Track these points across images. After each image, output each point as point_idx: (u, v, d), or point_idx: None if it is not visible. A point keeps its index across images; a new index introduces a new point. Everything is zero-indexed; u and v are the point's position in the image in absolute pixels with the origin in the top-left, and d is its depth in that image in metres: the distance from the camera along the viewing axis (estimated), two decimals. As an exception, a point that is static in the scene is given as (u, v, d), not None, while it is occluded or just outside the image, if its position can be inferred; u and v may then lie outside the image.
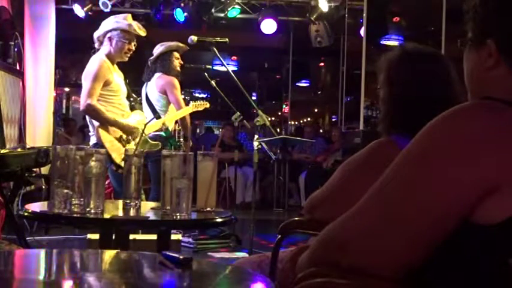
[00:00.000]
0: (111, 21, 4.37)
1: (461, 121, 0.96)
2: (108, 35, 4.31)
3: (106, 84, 4.25)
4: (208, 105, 5.18)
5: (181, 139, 4.67)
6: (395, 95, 1.86)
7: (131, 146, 4.24)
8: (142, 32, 4.44)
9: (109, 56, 4.31)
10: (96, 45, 4.38)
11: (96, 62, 4.26)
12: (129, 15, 4.50)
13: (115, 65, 4.38)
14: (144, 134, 4.36)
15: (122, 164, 4.11)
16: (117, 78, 4.36)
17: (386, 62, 1.89)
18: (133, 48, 4.42)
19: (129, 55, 4.40)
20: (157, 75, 5.08)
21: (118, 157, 4.14)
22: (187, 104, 5.18)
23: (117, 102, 4.34)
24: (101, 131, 4.22)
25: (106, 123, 4.24)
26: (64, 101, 13.34)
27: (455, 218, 0.93)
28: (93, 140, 4.36)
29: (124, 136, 4.31)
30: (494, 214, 0.91)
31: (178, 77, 5.18)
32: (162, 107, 5.00)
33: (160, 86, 5.01)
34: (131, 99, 4.67)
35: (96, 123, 4.27)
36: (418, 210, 0.95)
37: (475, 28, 1.05)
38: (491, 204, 0.91)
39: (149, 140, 4.54)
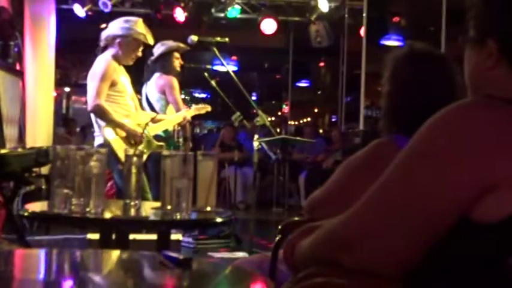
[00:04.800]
0: (122, 25, 4.34)
1: (461, 118, 0.96)
2: (118, 39, 4.30)
3: (112, 84, 4.24)
4: (209, 108, 5.14)
5: (181, 139, 4.66)
6: (397, 93, 1.87)
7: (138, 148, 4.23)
8: (151, 41, 4.45)
9: (116, 58, 4.30)
10: (102, 43, 4.34)
11: (103, 62, 4.25)
12: (141, 21, 4.47)
13: (121, 66, 4.38)
14: (148, 136, 4.38)
15: None
16: (123, 78, 4.35)
17: (393, 59, 1.90)
18: (140, 54, 4.44)
19: (134, 60, 4.41)
20: (157, 75, 5.08)
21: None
22: (186, 104, 5.17)
23: (122, 102, 4.32)
24: (107, 130, 4.20)
25: (113, 124, 4.24)
26: (64, 101, 13.34)
27: (454, 215, 0.94)
28: (98, 141, 4.34)
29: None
30: (493, 213, 0.91)
31: (178, 77, 5.18)
32: (162, 107, 5.00)
33: (160, 86, 5.01)
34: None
35: (102, 123, 4.26)
36: (418, 207, 0.95)
37: (476, 27, 1.05)
38: (490, 202, 0.91)
39: (154, 141, 4.52)
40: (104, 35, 4.35)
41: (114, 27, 4.35)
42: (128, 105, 4.38)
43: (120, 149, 4.14)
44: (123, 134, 4.27)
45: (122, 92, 4.31)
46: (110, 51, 4.31)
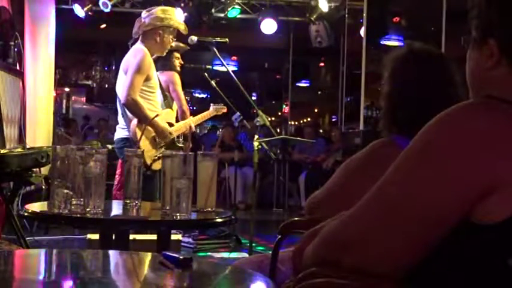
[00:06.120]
0: (159, 15, 4.26)
1: (462, 119, 0.96)
2: (157, 29, 4.21)
3: (147, 79, 4.13)
4: (225, 109, 5.07)
5: (181, 139, 4.65)
6: (397, 93, 1.87)
7: (162, 151, 4.20)
8: (185, 31, 4.39)
9: (150, 49, 4.19)
10: (135, 35, 4.26)
11: (140, 53, 4.12)
12: (174, 10, 4.45)
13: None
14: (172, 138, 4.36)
15: (152, 165, 4.09)
16: (155, 74, 4.27)
17: (392, 60, 1.90)
18: (173, 44, 4.43)
19: (167, 50, 4.39)
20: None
21: (148, 158, 4.05)
22: (188, 102, 5.17)
23: (153, 99, 4.23)
24: (137, 128, 4.11)
25: (144, 120, 4.10)
26: (64, 101, 13.34)
27: (455, 216, 0.93)
28: (121, 134, 4.24)
29: (157, 138, 4.22)
30: (494, 214, 0.90)
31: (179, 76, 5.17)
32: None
33: (163, 81, 4.99)
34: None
35: (133, 118, 4.14)
36: (418, 208, 0.95)
37: (477, 27, 1.05)
38: (491, 203, 0.91)
39: (176, 143, 4.47)
40: (136, 25, 4.27)
41: (150, 18, 4.27)
42: (158, 102, 4.30)
43: (145, 149, 4.02)
44: (150, 135, 4.17)
45: (153, 88, 4.21)
46: (144, 42, 4.21)
